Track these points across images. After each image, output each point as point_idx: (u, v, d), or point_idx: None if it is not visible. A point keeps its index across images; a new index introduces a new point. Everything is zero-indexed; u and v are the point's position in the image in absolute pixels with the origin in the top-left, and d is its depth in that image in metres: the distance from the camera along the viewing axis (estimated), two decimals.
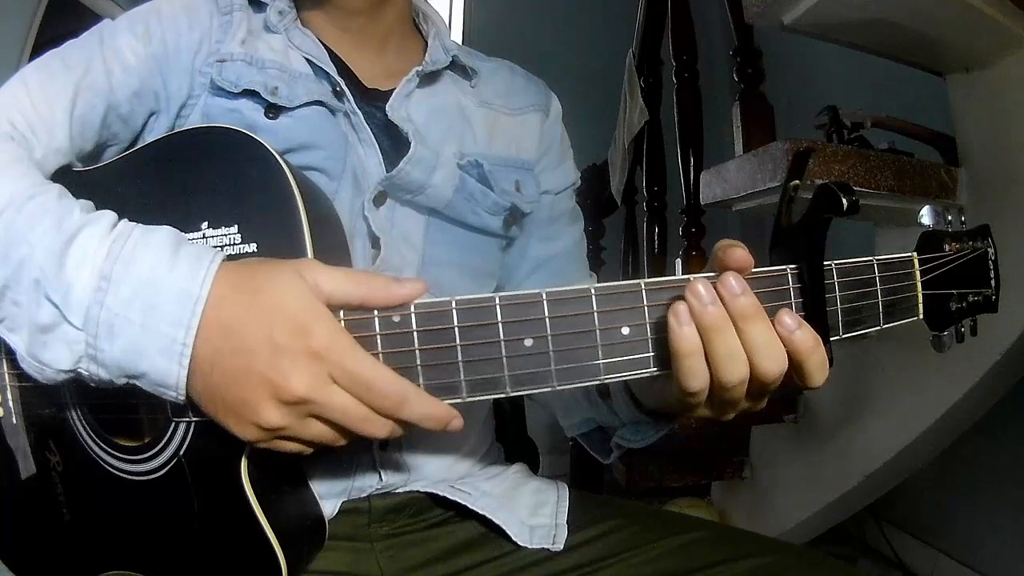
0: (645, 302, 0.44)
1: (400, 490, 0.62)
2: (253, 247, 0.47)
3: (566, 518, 0.63)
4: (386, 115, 0.63)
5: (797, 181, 0.46)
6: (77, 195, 0.51)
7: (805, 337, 0.43)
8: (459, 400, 0.44)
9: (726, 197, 1.34)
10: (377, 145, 0.62)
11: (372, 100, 0.64)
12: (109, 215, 0.46)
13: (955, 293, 0.50)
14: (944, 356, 1.23)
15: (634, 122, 2.06)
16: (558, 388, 0.44)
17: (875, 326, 0.48)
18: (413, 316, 0.43)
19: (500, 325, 0.43)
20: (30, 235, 0.44)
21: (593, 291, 0.43)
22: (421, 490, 0.62)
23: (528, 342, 0.43)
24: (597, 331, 0.43)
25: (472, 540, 0.62)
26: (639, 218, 2.18)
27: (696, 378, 0.43)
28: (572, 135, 0.78)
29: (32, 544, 0.59)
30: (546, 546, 0.60)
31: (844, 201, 0.42)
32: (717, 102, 2.08)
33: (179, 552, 0.51)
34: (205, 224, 0.48)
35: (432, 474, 0.63)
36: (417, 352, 0.43)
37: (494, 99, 0.71)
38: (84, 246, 0.43)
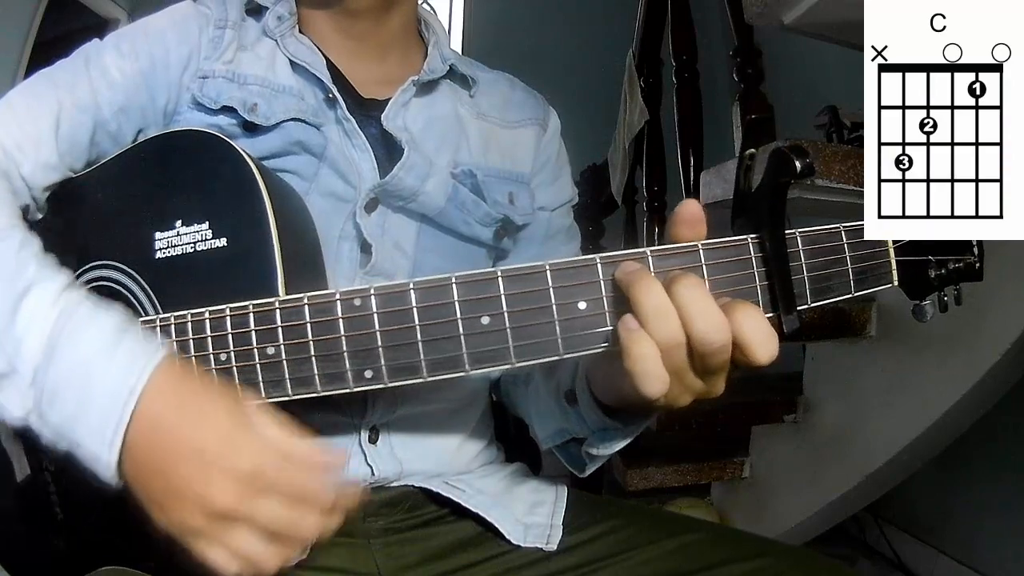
0: (600, 276, 0.44)
1: (394, 484, 0.62)
2: (223, 241, 0.49)
3: (563, 518, 0.63)
4: (381, 125, 0.63)
5: (753, 150, 0.45)
6: (67, 200, 0.55)
7: (740, 305, 0.42)
8: (420, 380, 0.45)
9: (726, 197, 1.34)
10: (372, 151, 0.62)
11: (368, 110, 0.64)
12: (62, 277, 0.47)
13: (933, 260, 0.49)
14: (944, 356, 1.24)
15: (634, 122, 2.06)
16: (517, 365, 0.44)
17: (846, 294, 0.47)
18: (373, 298, 0.44)
19: (457, 304, 0.44)
20: None
21: (548, 267, 0.44)
22: (415, 485, 0.62)
23: (485, 320, 0.44)
24: (554, 306, 0.44)
25: (469, 538, 0.62)
26: (639, 218, 2.17)
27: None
28: (572, 135, 0.77)
29: (28, 545, 0.59)
30: (540, 545, 0.60)
31: (797, 164, 0.41)
32: (717, 102, 2.08)
33: (165, 545, 0.51)
34: (179, 222, 0.50)
35: (425, 469, 0.63)
36: (378, 334, 0.45)
37: (491, 111, 0.71)
38: (34, 306, 0.44)
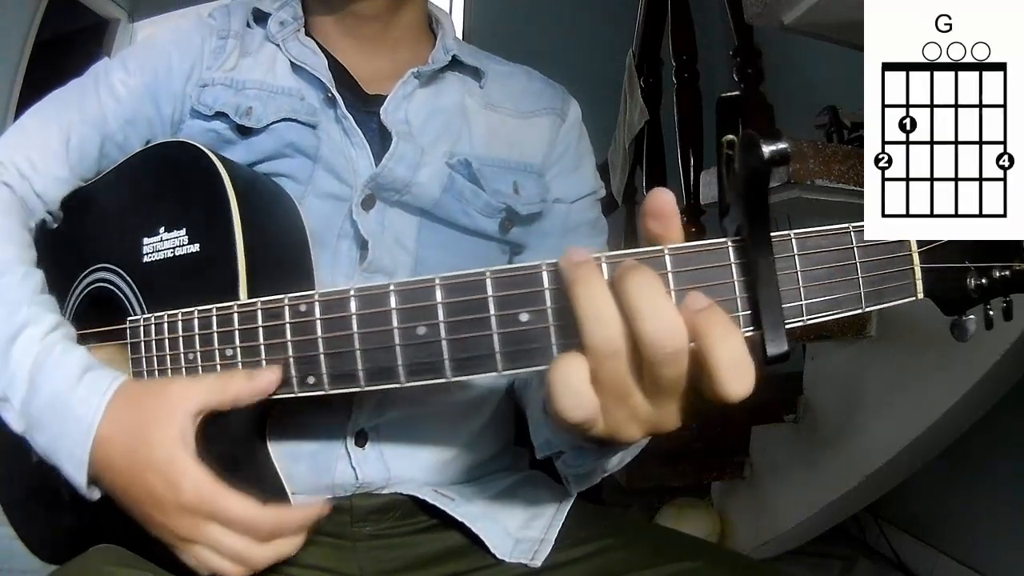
0: (546, 285, 0.39)
1: (384, 491, 0.61)
2: (197, 247, 0.52)
3: (557, 533, 0.60)
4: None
5: (731, 136, 0.38)
6: (75, 209, 0.63)
7: (712, 318, 0.35)
8: (357, 389, 0.44)
9: None
10: (369, 148, 0.62)
11: (371, 106, 0.64)
12: (49, 320, 0.53)
13: (972, 268, 0.40)
14: (944, 356, 1.24)
15: (634, 122, 2.07)
16: (453, 379, 0.42)
17: (854, 308, 0.39)
18: (316, 304, 0.44)
19: (393, 312, 0.42)
20: None
21: (488, 274, 0.40)
22: (404, 493, 0.61)
23: (421, 330, 0.41)
24: (492, 318, 0.40)
25: (454, 549, 0.60)
26: (639, 218, 2.17)
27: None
28: None
29: (41, 521, 0.64)
30: (524, 561, 0.58)
31: (764, 149, 0.35)
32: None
33: (146, 530, 0.53)
34: (162, 228, 0.54)
35: (416, 477, 0.61)
36: (320, 340, 0.44)
37: (503, 102, 0.70)
38: (24, 345, 0.51)
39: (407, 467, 0.61)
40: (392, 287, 0.42)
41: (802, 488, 1.56)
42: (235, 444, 0.52)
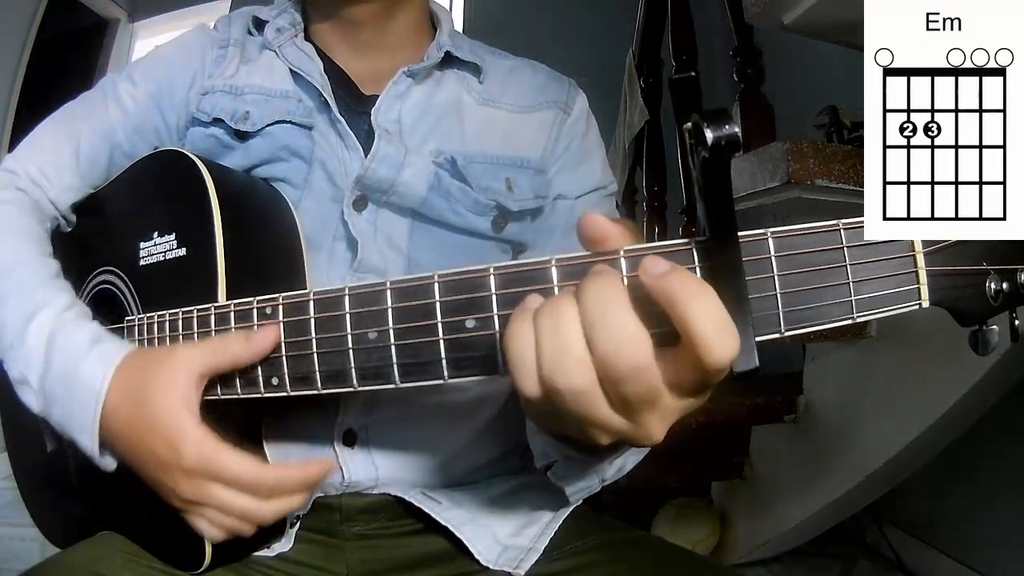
0: (493, 289, 0.38)
1: (373, 492, 0.61)
2: (183, 251, 0.55)
3: (547, 542, 0.60)
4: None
5: (688, 124, 0.33)
6: (84, 214, 0.66)
7: (682, 280, 0.32)
8: (314, 392, 0.45)
9: None
10: (361, 149, 0.62)
11: (368, 106, 0.64)
12: (63, 299, 0.55)
13: (992, 271, 0.35)
14: (944, 356, 1.24)
15: (634, 122, 2.07)
16: (402, 386, 0.41)
17: (843, 318, 0.35)
18: (280, 307, 0.45)
19: (348, 316, 0.42)
20: (4, 310, 0.55)
21: (436, 277, 0.40)
22: (392, 494, 0.61)
23: (372, 335, 0.42)
24: (439, 324, 0.39)
25: (441, 553, 0.60)
26: (639, 218, 2.18)
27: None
28: None
29: (52, 506, 0.67)
30: (508, 569, 0.57)
31: (708, 136, 0.31)
32: (717, 102, 2.08)
33: (141, 520, 0.56)
34: (156, 233, 0.56)
35: (406, 478, 0.61)
36: (283, 343, 0.45)
37: (502, 97, 0.69)
38: (40, 325, 0.53)
39: (396, 468, 0.61)
40: (347, 291, 0.43)
41: (802, 488, 1.56)
42: (232, 445, 0.52)
